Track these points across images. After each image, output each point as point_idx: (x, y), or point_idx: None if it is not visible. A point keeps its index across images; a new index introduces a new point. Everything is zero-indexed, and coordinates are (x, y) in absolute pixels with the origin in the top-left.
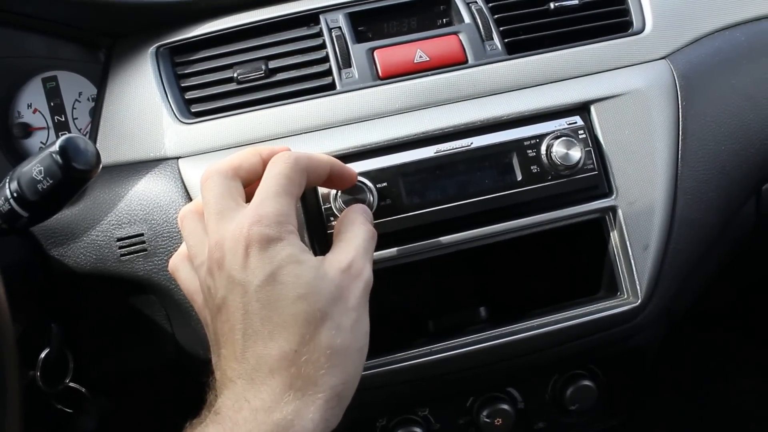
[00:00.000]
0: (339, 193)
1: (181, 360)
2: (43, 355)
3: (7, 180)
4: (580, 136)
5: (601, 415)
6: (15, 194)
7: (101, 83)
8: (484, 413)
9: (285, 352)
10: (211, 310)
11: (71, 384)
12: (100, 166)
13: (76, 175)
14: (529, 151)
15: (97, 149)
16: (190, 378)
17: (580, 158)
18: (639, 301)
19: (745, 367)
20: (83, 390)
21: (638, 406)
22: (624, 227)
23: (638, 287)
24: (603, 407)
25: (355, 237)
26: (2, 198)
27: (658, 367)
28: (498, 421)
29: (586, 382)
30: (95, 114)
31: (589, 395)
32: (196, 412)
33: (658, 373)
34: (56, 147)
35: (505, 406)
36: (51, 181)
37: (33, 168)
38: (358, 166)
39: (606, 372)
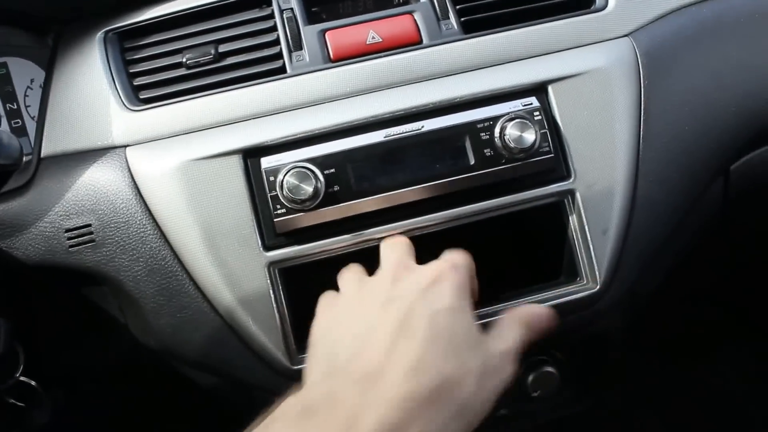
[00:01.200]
0: (285, 177)
1: (135, 351)
2: None
3: None
4: (536, 118)
5: (566, 401)
6: None
7: (48, 70)
8: None
9: None
10: None
11: (22, 378)
12: (23, 159)
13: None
14: (482, 134)
15: (19, 143)
16: (145, 370)
17: (535, 140)
18: (598, 286)
19: (728, 347)
20: (33, 384)
21: (607, 391)
22: (582, 211)
23: (597, 272)
24: (568, 393)
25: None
26: None
27: (629, 350)
28: None
29: (548, 369)
30: (42, 102)
31: (552, 382)
32: (152, 402)
33: (627, 357)
34: None
35: None
36: None
37: None
38: (305, 152)
39: (569, 358)
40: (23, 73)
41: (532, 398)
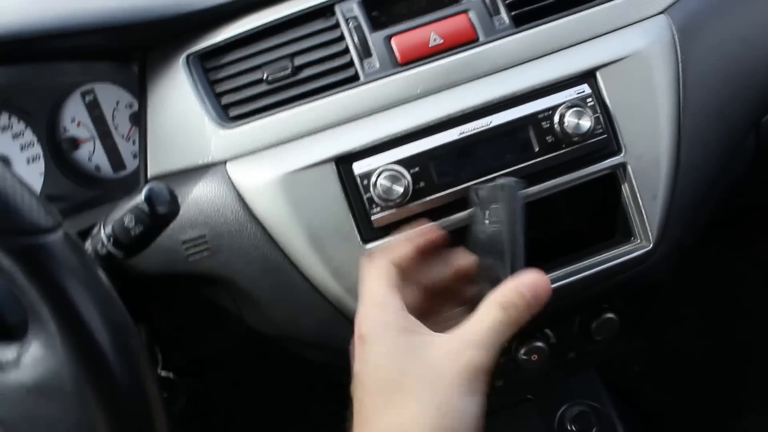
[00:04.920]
0: (378, 180)
1: (251, 338)
2: None
3: (101, 226)
4: (589, 104)
5: (622, 340)
6: (111, 239)
7: (140, 98)
8: (522, 351)
9: None
10: None
11: (162, 373)
12: (179, 206)
13: (161, 219)
14: (543, 123)
15: (174, 193)
16: (261, 353)
17: (590, 126)
18: (651, 244)
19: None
20: (171, 376)
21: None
22: (633, 180)
23: (649, 233)
24: (625, 334)
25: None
26: (99, 243)
27: (675, 295)
28: (534, 357)
29: (609, 315)
30: (140, 129)
31: (612, 326)
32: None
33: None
34: (141, 197)
35: (540, 344)
36: (141, 227)
37: (124, 217)
38: (391, 155)
39: (627, 305)
40: (109, 96)
41: (595, 341)
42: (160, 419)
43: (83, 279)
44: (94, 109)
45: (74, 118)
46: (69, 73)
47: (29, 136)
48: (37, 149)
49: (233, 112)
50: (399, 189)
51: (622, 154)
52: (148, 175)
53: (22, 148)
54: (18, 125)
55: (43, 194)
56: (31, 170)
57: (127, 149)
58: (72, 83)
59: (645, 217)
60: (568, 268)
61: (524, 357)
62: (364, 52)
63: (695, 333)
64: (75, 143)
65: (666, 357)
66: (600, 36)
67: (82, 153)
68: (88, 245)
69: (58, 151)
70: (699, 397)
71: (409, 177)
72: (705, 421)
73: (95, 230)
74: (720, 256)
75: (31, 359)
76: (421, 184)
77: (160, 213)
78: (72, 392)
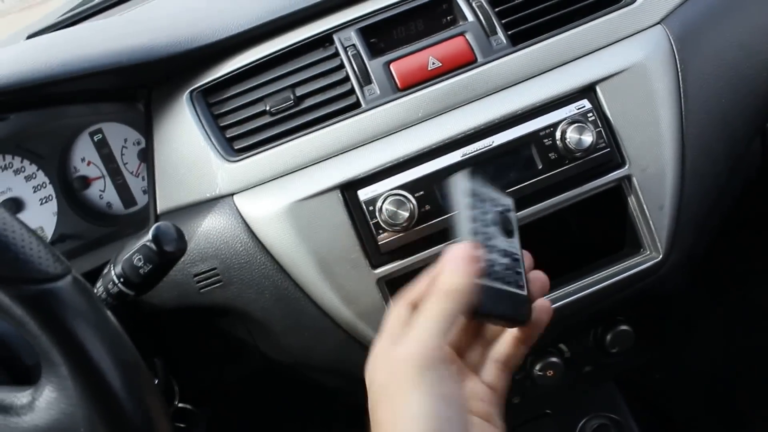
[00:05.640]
0: (383, 206)
1: (267, 367)
2: None
3: (111, 266)
4: (590, 119)
5: (639, 352)
6: (121, 279)
7: (147, 135)
8: (537, 368)
9: None
10: None
11: (180, 405)
12: (186, 243)
13: (169, 257)
14: (545, 141)
15: (180, 230)
16: (276, 380)
17: (592, 141)
18: (661, 255)
19: None
20: (190, 407)
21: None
22: (639, 192)
23: (658, 243)
24: (641, 346)
25: None
26: (110, 282)
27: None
28: (550, 372)
29: (624, 327)
30: (148, 165)
31: (628, 338)
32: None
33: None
34: (149, 236)
35: (554, 359)
36: (150, 266)
37: (133, 257)
38: (395, 180)
39: (641, 316)
40: (117, 134)
41: (611, 354)
42: None
43: (92, 322)
44: (102, 147)
45: (84, 158)
46: (77, 115)
47: (41, 177)
48: (50, 190)
49: (238, 145)
50: (405, 213)
51: (626, 167)
52: (158, 211)
53: (35, 189)
54: (30, 167)
55: (57, 233)
56: (44, 210)
57: (137, 185)
58: (80, 124)
59: (653, 228)
60: (579, 283)
61: (539, 373)
62: (364, 79)
63: (714, 342)
64: (86, 182)
65: (686, 366)
66: (598, 50)
67: (93, 191)
68: (100, 285)
69: (70, 191)
70: (721, 407)
71: (414, 201)
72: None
73: (106, 270)
74: (738, 260)
75: (45, 402)
76: (427, 207)
77: (168, 251)
78: None
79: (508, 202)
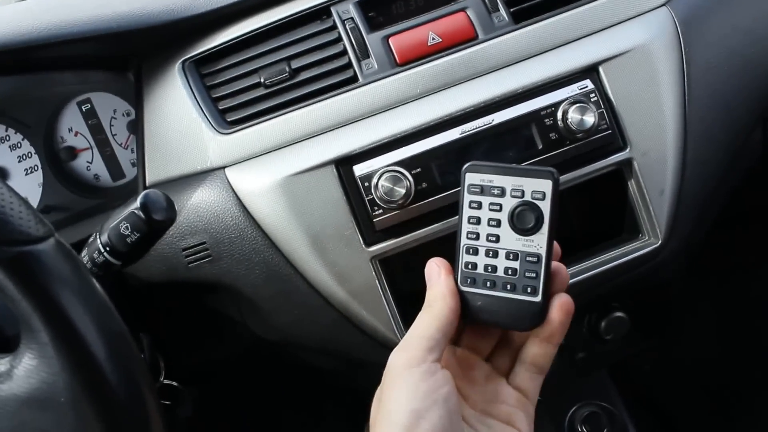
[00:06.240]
0: (379, 182)
1: (256, 345)
2: None
3: (97, 235)
4: (592, 100)
5: (634, 340)
6: (107, 248)
7: (137, 105)
8: None
9: None
10: None
11: (165, 381)
12: (176, 213)
13: (158, 226)
14: (546, 120)
15: (170, 199)
16: (265, 361)
17: (594, 122)
18: (660, 241)
19: None
20: (176, 384)
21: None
22: (640, 176)
23: (657, 229)
24: (635, 333)
25: None
26: (96, 251)
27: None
28: None
29: (619, 314)
30: (138, 136)
31: (623, 325)
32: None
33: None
34: (137, 204)
35: None
36: (137, 235)
37: (120, 225)
38: (392, 156)
39: (637, 303)
40: (106, 104)
41: (605, 341)
42: (157, 428)
43: (76, 287)
44: (91, 118)
45: (71, 128)
46: (65, 83)
47: (27, 147)
48: (35, 160)
49: (231, 117)
50: (401, 190)
51: (627, 150)
52: (147, 183)
53: (20, 159)
54: (15, 136)
55: (42, 204)
56: (29, 181)
57: (125, 158)
58: (68, 93)
59: (653, 213)
60: (576, 267)
61: None
62: (362, 53)
63: (709, 332)
64: (73, 153)
65: (679, 356)
66: (601, 30)
67: (81, 162)
68: (85, 254)
69: (57, 161)
70: (713, 398)
71: (410, 178)
72: (719, 422)
73: (91, 238)
74: (732, 253)
75: (24, 370)
76: (423, 184)
77: (157, 220)
78: (67, 402)
79: (540, 186)
